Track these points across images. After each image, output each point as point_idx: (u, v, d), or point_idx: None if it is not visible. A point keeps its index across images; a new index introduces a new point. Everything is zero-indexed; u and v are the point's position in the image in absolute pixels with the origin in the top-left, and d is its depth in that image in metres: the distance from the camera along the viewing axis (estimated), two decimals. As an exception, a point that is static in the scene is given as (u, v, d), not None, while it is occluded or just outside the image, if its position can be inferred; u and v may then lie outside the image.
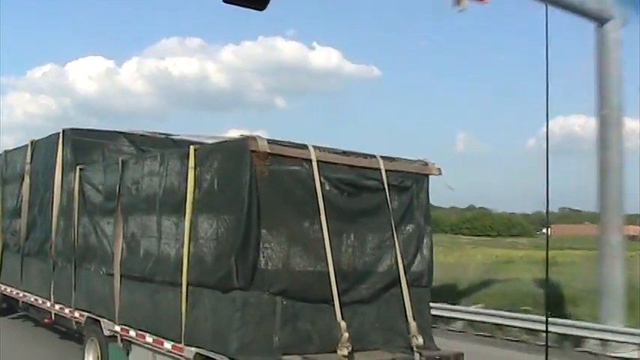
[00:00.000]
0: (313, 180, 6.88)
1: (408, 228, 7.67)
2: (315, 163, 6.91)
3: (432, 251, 7.89)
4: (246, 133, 7.60)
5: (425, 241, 7.82)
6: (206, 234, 6.96)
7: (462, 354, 7.55)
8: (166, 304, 7.57)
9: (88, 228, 9.76)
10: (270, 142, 6.65)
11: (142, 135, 11.43)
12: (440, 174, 8.08)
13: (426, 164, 7.99)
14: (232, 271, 6.44)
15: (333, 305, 6.74)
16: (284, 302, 6.66)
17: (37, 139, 12.44)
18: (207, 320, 6.88)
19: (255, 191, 6.47)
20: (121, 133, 11.30)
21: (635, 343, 12.38)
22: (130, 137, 11.27)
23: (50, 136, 11.67)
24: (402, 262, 7.39)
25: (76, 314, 9.94)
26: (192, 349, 6.97)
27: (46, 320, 11.80)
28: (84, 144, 10.76)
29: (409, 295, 7.29)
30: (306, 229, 6.86)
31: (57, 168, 10.95)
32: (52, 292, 10.88)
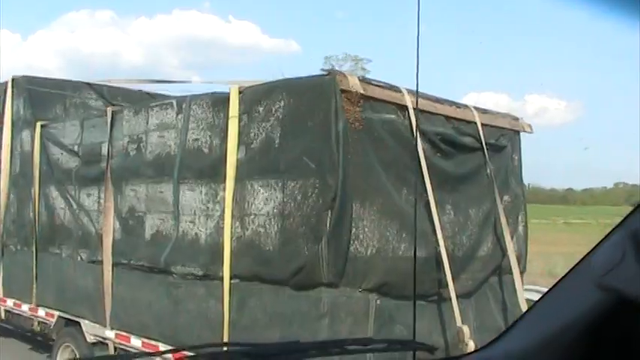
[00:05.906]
0: (412, 134, 5.05)
1: (505, 198, 6.01)
2: (412, 112, 5.07)
3: (527, 228, 6.28)
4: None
5: (520, 215, 6.20)
6: (263, 208, 4.99)
7: None
8: (195, 305, 5.54)
9: (55, 201, 7.50)
10: (362, 80, 4.77)
11: (111, 87, 9.23)
12: (532, 132, 6.45)
13: (517, 119, 6.34)
14: (319, 260, 4.52)
15: (445, 302, 5.02)
16: (378, 301, 4.85)
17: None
18: (269, 328, 4.93)
19: (347, 147, 4.58)
20: (86, 83, 9.07)
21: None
22: (98, 89, 9.05)
23: None
24: (510, 243, 5.71)
25: (41, 313, 7.71)
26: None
27: None
28: (42, 96, 8.44)
29: (521, 286, 5.64)
30: (404, 200, 5.04)
31: (5, 126, 8.56)
32: (0, 284, 8.58)
